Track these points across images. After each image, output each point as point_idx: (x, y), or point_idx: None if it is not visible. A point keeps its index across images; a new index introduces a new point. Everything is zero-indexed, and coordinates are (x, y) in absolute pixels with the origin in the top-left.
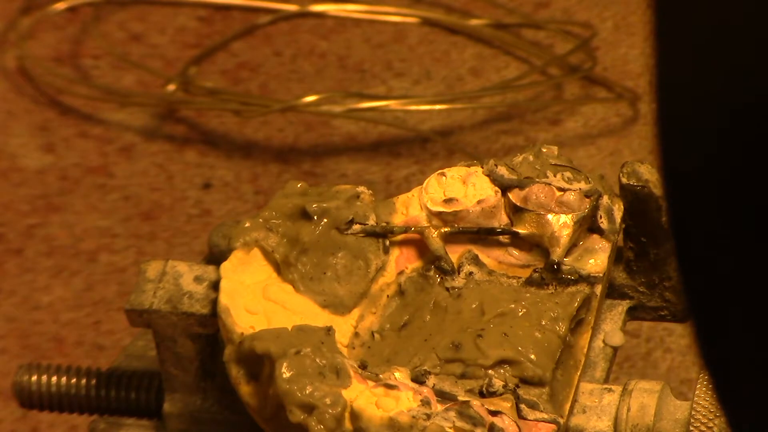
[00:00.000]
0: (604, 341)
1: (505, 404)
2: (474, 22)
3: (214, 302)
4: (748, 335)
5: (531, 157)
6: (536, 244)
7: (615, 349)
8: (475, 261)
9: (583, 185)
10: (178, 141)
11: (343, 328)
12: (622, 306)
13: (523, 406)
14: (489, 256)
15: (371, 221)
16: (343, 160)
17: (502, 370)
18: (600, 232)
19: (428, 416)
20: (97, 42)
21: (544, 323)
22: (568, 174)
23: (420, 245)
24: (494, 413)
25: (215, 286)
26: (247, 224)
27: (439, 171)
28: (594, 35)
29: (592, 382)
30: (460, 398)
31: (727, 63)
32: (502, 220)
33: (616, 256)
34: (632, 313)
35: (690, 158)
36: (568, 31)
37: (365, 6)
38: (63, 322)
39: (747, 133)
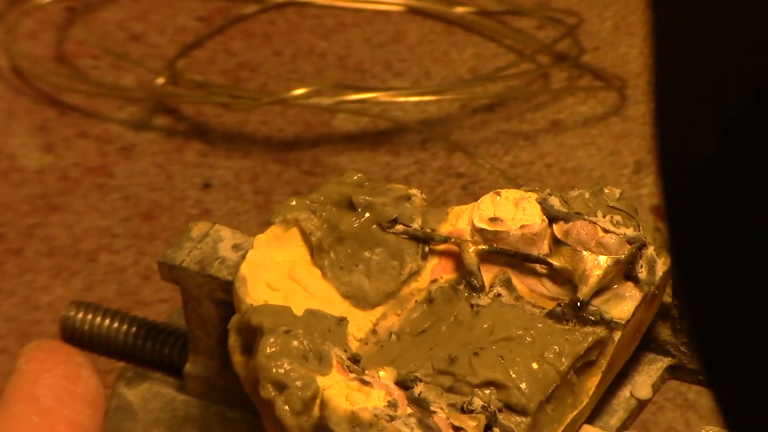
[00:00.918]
0: (631, 392)
1: (471, 423)
2: (460, 9)
3: None
4: (748, 336)
5: (587, 194)
6: (569, 280)
7: (640, 401)
8: (507, 284)
9: (629, 231)
10: (178, 141)
11: (362, 322)
12: (662, 363)
13: (497, 430)
14: (522, 282)
15: (416, 224)
16: (342, 160)
17: (488, 391)
18: (636, 280)
19: (391, 418)
20: (83, 35)
21: (546, 355)
22: (618, 218)
23: (459, 258)
24: (457, 429)
25: None
26: (293, 202)
27: (496, 190)
28: (580, 22)
29: (604, 428)
30: (433, 408)
31: (726, 63)
32: (542, 249)
33: (664, 313)
34: (673, 372)
35: (689, 158)
36: (556, 18)
37: None
38: None
39: (747, 134)
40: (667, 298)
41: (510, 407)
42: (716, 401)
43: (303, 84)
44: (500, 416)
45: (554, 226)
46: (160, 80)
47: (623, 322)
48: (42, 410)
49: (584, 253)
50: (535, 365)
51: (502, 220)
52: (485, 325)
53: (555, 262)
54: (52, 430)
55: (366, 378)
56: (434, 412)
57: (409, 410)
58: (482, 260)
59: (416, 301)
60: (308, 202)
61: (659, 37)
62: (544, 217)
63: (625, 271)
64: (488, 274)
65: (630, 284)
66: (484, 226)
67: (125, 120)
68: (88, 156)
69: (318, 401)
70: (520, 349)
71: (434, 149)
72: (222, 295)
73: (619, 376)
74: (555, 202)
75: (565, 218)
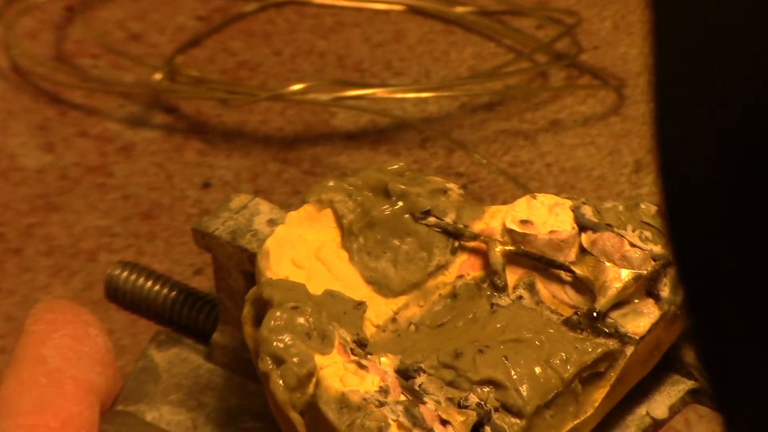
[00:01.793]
0: (647, 410)
1: (459, 417)
2: (459, 9)
3: None
4: (748, 336)
5: (621, 207)
6: (590, 290)
7: (655, 421)
8: (530, 288)
9: (656, 248)
10: (177, 140)
11: (382, 309)
12: (685, 385)
13: (488, 428)
14: (546, 288)
15: (449, 219)
16: (342, 159)
17: (486, 389)
18: (657, 298)
19: (381, 403)
20: (83, 34)
21: (551, 361)
22: (648, 234)
23: (487, 257)
24: (444, 422)
25: None
26: (331, 183)
27: (533, 194)
28: (580, 22)
29: None
30: (427, 400)
31: (726, 62)
32: (568, 256)
33: (689, 335)
34: (695, 396)
35: (689, 158)
36: (556, 18)
37: None
38: None
39: (747, 133)
40: None
41: (506, 408)
42: (717, 402)
43: (303, 84)
44: (495, 416)
45: (583, 235)
46: (158, 76)
47: (637, 337)
48: (49, 371)
49: (607, 264)
50: (538, 369)
51: (532, 224)
52: (498, 325)
53: (578, 271)
54: (60, 390)
55: (363, 362)
56: (424, 403)
57: (402, 398)
58: (510, 261)
59: (440, 294)
60: (345, 185)
61: (659, 36)
62: (575, 225)
63: (647, 287)
64: (514, 275)
65: (650, 301)
66: (515, 227)
67: (125, 119)
68: (87, 155)
69: (314, 380)
70: (526, 351)
71: (434, 148)
72: (250, 267)
73: (639, 394)
74: (587, 211)
75: (594, 228)
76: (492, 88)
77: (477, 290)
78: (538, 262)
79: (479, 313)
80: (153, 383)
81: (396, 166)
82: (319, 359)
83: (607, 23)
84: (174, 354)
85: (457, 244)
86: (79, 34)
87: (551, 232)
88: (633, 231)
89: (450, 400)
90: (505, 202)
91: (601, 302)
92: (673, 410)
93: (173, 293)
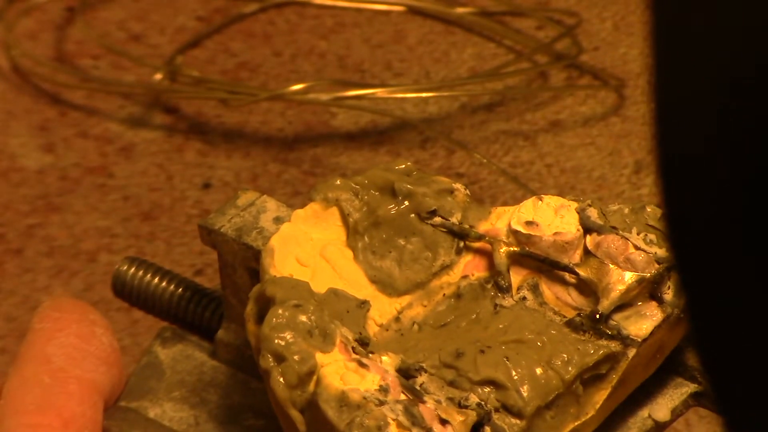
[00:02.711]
0: (649, 413)
1: (458, 417)
2: (460, 10)
3: None
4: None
5: (626, 210)
6: (594, 292)
7: (657, 423)
8: (534, 289)
9: (660, 251)
10: (177, 141)
11: (386, 308)
12: (688, 388)
13: (488, 428)
14: (549, 289)
15: (454, 219)
16: (343, 160)
17: (487, 390)
18: (660, 301)
19: (380, 402)
20: (83, 35)
21: (553, 362)
22: (652, 237)
23: (492, 258)
24: (444, 422)
25: None
26: (338, 182)
27: (539, 195)
28: (580, 22)
29: None
30: (427, 399)
31: (726, 62)
32: (573, 258)
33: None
34: (698, 399)
35: (689, 158)
36: (556, 19)
37: None
38: None
39: (747, 133)
40: None
41: (507, 408)
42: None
43: (303, 84)
44: (495, 416)
45: (587, 237)
46: (158, 76)
47: (639, 340)
48: (53, 370)
49: (611, 266)
50: (539, 370)
51: (537, 225)
52: (500, 325)
53: (582, 273)
54: (63, 390)
55: (364, 361)
56: (424, 402)
57: (402, 397)
58: (514, 263)
59: (444, 294)
60: (352, 184)
61: (659, 37)
62: (580, 227)
63: (650, 290)
64: (518, 276)
65: (654, 304)
66: (520, 228)
67: (125, 120)
68: (88, 156)
69: (314, 378)
70: (527, 352)
71: (434, 149)
72: (255, 265)
73: (642, 396)
74: (593, 213)
75: (599, 230)
76: (492, 89)
77: (481, 291)
78: (543, 263)
79: (482, 313)
80: (156, 380)
81: (403, 166)
82: (320, 357)
83: (608, 24)
84: (178, 351)
85: (462, 244)
86: (79, 34)
87: (556, 233)
88: (638, 234)
89: (450, 399)
90: (505, 203)
91: (604, 304)
92: (676, 413)
93: (179, 290)
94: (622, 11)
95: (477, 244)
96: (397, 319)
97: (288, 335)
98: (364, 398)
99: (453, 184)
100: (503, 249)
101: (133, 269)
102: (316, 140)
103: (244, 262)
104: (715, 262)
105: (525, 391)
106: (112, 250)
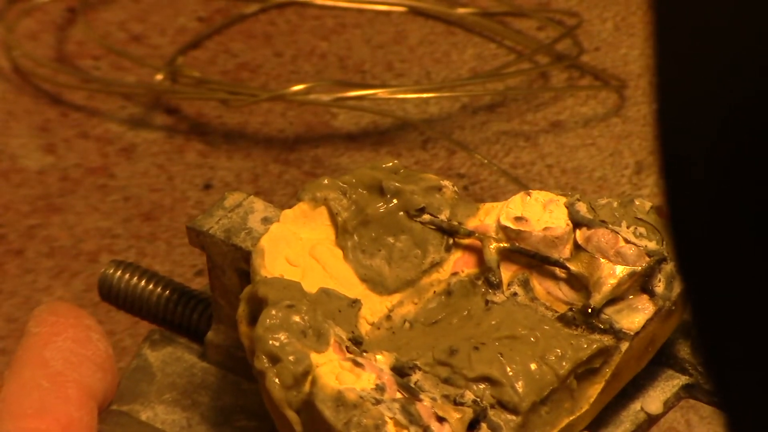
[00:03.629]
0: (642, 406)
1: (455, 414)
2: (461, 10)
3: None
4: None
5: (615, 204)
6: (585, 286)
7: (649, 416)
8: (525, 284)
9: (651, 244)
10: (178, 142)
11: (377, 307)
12: (679, 380)
13: (484, 425)
14: (540, 284)
15: (443, 216)
16: (343, 160)
17: (482, 386)
18: (651, 294)
19: (377, 401)
20: (84, 35)
21: (546, 357)
22: (642, 230)
23: (482, 254)
24: (441, 419)
25: None
26: (326, 181)
27: (527, 191)
28: (581, 23)
29: None
30: (423, 397)
31: (727, 63)
32: (563, 253)
33: (684, 331)
34: (689, 391)
35: (691, 159)
36: (557, 20)
37: None
38: None
39: (748, 134)
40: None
41: (502, 404)
42: (717, 398)
43: (304, 85)
44: (491, 412)
45: (577, 231)
46: (159, 77)
47: (632, 333)
48: (51, 374)
49: (601, 260)
50: (533, 366)
51: (527, 220)
52: (493, 322)
53: (572, 267)
54: (62, 394)
55: (359, 360)
56: (420, 400)
57: (398, 395)
58: (504, 258)
59: (435, 291)
60: (340, 183)
61: (660, 37)
62: (569, 222)
63: (641, 283)
64: (508, 272)
65: (645, 297)
66: (509, 224)
67: (126, 120)
68: (88, 157)
69: (310, 378)
70: (521, 348)
71: (435, 149)
72: (245, 266)
73: (633, 389)
74: (582, 207)
75: (589, 225)
76: (493, 89)
77: (471, 287)
78: (533, 258)
79: (474, 310)
80: (147, 382)
81: (390, 164)
82: (314, 357)
83: (608, 24)
84: (168, 353)
85: (451, 241)
86: (80, 35)
87: (546, 228)
88: (627, 227)
89: (446, 397)
90: None
91: (596, 298)
92: (668, 405)
93: (166, 292)
94: (623, 12)
95: (466, 241)
96: (388, 318)
97: (282, 336)
98: (361, 397)
99: (441, 181)
100: (493, 245)
101: (119, 272)
102: (317, 141)
103: (234, 263)
104: (717, 263)
105: (520, 386)
106: (113, 251)
